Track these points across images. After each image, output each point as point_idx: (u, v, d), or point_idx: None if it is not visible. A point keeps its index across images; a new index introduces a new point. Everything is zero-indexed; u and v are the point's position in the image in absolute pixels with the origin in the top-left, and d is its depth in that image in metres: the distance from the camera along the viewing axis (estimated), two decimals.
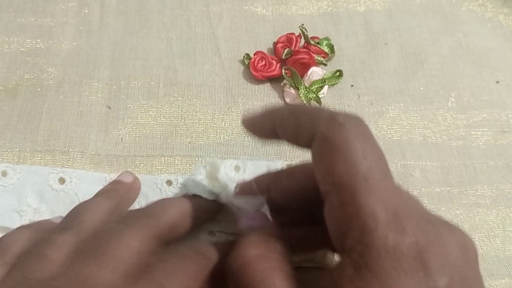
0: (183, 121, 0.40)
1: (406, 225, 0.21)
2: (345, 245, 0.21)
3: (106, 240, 0.24)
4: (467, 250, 0.22)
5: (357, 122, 0.23)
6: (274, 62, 0.43)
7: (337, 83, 0.43)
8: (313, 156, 0.23)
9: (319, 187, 0.23)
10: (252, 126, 0.27)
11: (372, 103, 0.43)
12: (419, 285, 0.20)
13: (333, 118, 0.23)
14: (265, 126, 0.26)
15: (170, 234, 0.27)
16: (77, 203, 0.31)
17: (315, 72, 0.42)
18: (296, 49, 0.44)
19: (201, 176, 0.34)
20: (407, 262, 0.20)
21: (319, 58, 0.44)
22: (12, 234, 0.27)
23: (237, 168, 0.35)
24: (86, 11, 0.46)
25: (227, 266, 0.24)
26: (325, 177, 0.22)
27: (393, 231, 0.20)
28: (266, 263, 0.24)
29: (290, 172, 0.29)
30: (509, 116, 0.44)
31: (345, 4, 0.50)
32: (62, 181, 0.33)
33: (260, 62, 0.43)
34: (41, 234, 0.26)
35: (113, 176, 0.34)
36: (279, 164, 0.36)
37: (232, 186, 0.32)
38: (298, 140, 0.24)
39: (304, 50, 0.43)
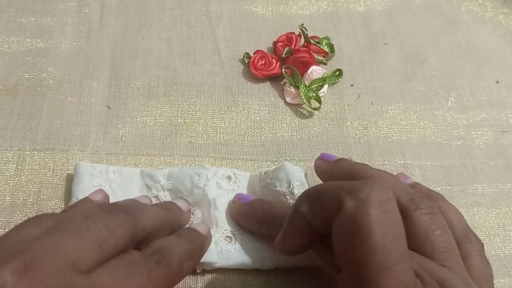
0: (182, 120, 0.40)
1: None
2: None
3: (89, 222, 0.24)
4: None
5: (378, 192, 0.23)
6: (274, 61, 0.43)
7: (337, 82, 0.43)
8: (334, 233, 0.24)
9: (336, 256, 0.25)
10: (290, 243, 0.28)
11: (372, 103, 0.43)
12: None
13: (355, 195, 0.23)
14: (301, 229, 0.27)
15: (142, 237, 0.27)
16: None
17: (315, 71, 0.42)
18: (296, 48, 0.44)
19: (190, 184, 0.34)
20: None
21: (319, 57, 0.44)
22: None
23: (229, 178, 0.35)
24: (86, 11, 0.46)
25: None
26: (343, 255, 0.24)
27: None
28: None
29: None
30: (509, 116, 0.44)
31: (345, 4, 0.50)
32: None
33: (260, 61, 0.43)
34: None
35: (114, 169, 0.35)
36: (267, 173, 0.35)
37: (221, 194, 0.34)
38: (330, 220, 0.25)
39: (304, 49, 0.43)
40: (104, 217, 0.25)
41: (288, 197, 0.33)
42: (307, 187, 0.33)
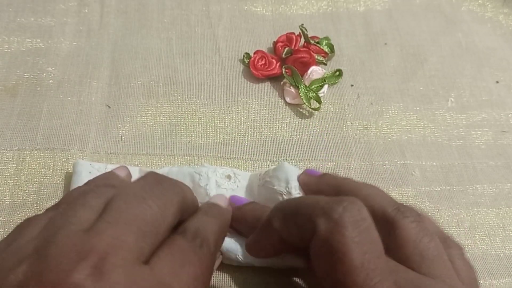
0: (182, 120, 0.40)
1: None
2: None
3: (147, 204, 0.24)
4: None
5: (352, 211, 0.23)
6: (274, 61, 0.43)
7: (337, 82, 0.43)
8: (312, 254, 0.24)
9: (317, 278, 0.24)
10: (260, 249, 0.28)
11: (372, 103, 0.43)
12: None
13: (328, 216, 0.23)
14: (273, 241, 0.27)
15: (183, 213, 0.26)
16: None
17: (315, 71, 0.42)
18: (296, 48, 0.44)
19: (192, 184, 0.34)
20: None
21: (319, 58, 0.44)
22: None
23: (228, 177, 0.35)
24: (86, 11, 0.46)
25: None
26: (324, 277, 0.23)
27: None
28: None
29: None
30: (509, 116, 0.44)
31: (345, 4, 0.50)
32: None
33: (260, 61, 0.43)
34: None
35: (112, 167, 0.34)
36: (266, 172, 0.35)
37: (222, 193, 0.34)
38: (305, 240, 0.24)
39: (304, 49, 0.43)
40: (156, 197, 0.24)
41: (284, 197, 0.32)
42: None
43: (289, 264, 0.31)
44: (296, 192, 0.32)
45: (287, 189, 0.33)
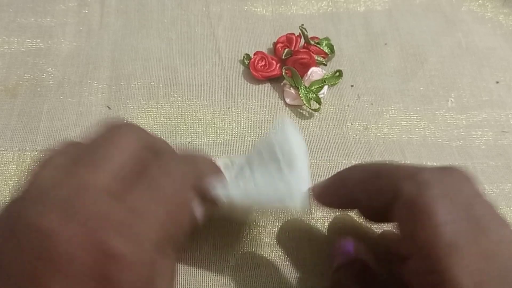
0: (183, 121, 0.40)
1: None
2: None
3: (102, 145, 0.24)
4: None
5: (444, 176, 0.23)
6: (274, 62, 0.43)
7: (337, 83, 0.43)
8: (397, 217, 0.24)
9: (402, 245, 0.24)
10: (327, 196, 0.28)
11: (372, 103, 0.43)
12: None
13: (416, 177, 0.23)
14: (340, 193, 0.26)
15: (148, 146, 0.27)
16: None
17: (315, 72, 0.42)
18: (296, 49, 0.44)
19: None
20: None
21: (319, 58, 0.44)
22: None
23: (226, 166, 0.34)
24: (86, 11, 0.46)
25: None
26: (408, 240, 0.23)
27: None
28: None
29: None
30: (509, 116, 0.44)
31: (345, 4, 0.50)
32: None
33: (260, 62, 0.43)
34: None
35: None
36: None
37: None
38: (379, 202, 0.24)
39: (304, 50, 0.43)
40: (111, 137, 0.25)
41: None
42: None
43: (271, 206, 0.31)
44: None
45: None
